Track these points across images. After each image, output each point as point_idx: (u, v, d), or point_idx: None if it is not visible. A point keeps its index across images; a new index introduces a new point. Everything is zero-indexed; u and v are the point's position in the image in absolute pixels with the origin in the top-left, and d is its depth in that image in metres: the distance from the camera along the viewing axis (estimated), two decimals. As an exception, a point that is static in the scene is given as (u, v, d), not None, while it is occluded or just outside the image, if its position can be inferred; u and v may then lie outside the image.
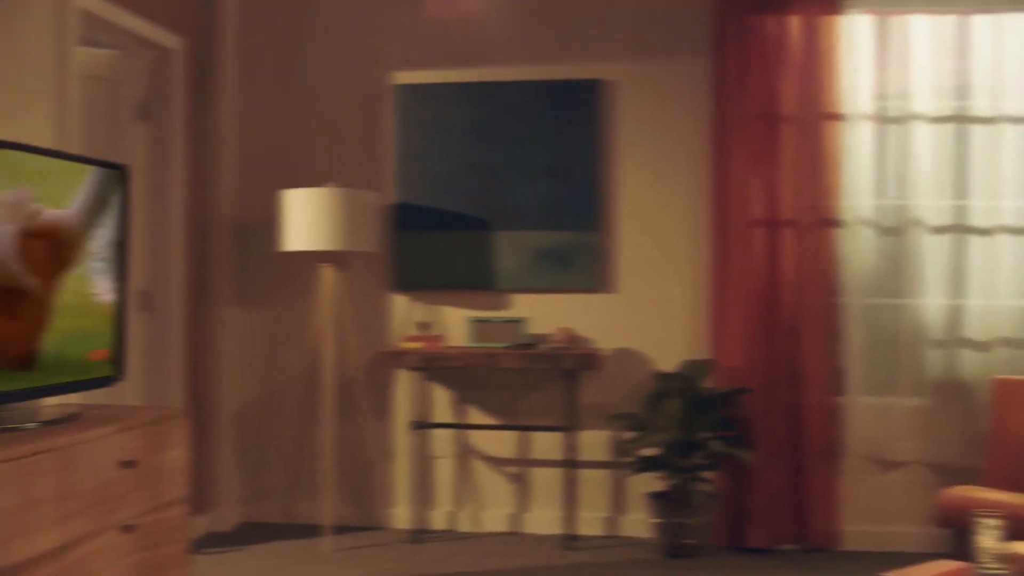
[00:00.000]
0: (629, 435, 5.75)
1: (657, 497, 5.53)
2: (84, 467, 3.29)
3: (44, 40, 4.25)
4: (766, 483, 5.59)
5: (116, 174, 3.96)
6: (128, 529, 3.54)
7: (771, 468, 5.58)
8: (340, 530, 6.00)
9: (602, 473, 5.90)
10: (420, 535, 5.85)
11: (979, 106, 5.51)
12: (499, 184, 5.91)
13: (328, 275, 5.70)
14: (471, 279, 5.94)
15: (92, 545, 3.34)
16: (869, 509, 5.65)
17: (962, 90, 5.54)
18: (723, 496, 5.63)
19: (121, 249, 4.00)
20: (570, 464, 5.69)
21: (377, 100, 6.05)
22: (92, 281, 3.82)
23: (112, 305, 3.96)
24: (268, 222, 6.11)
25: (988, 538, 3.47)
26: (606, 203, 5.87)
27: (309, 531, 5.98)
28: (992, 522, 3.47)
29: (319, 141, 6.10)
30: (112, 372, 3.99)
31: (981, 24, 5.48)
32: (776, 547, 5.62)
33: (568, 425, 5.68)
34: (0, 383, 3.37)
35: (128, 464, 3.54)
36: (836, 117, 5.54)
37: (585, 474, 5.89)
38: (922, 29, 5.51)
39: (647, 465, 5.53)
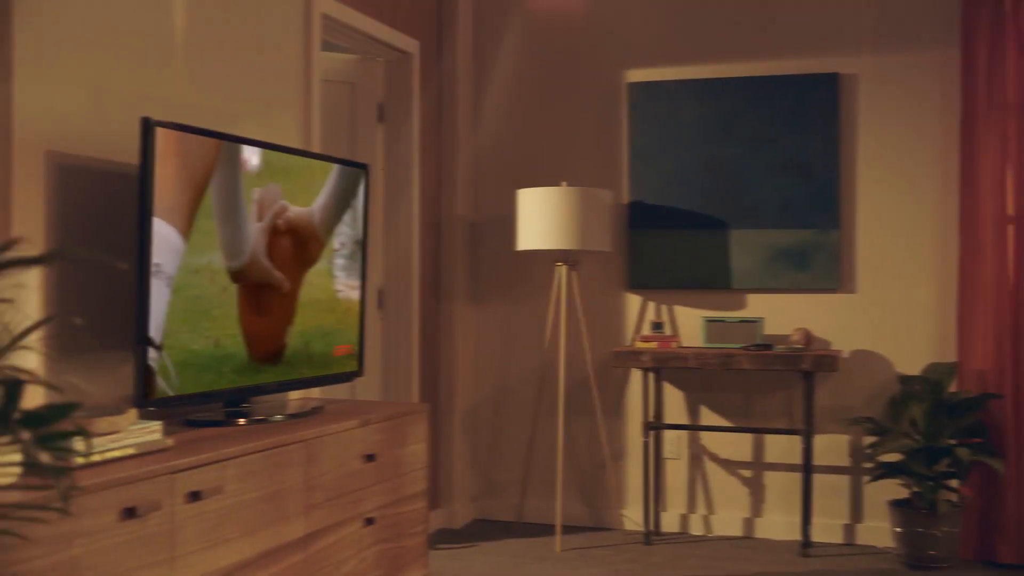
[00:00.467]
0: (869, 440, 5.55)
1: (899, 505, 5.32)
2: (328, 459, 3.37)
3: (291, 45, 4.39)
4: (1019, 494, 5.30)
5: (359, 173, 4.05)
6: (369, 521, 3.61)
7: (1022, 478, 5.29)
8: (570, 530, 6.01)
9: (839, 478, 5.71)
10: (651, 537, 5.79)
11: None
12: (734, 182, 5.80)
13: (562, 274, 5.71)
14: (705, 278, 5.85)
15: (335, 536, 3.42)
16: None
17: None
18: (971, 507, 5.37)
19: (363, 246, 4.10)
20: (806, 468, 5.52)
21: (610, 99, 6.03)
22: (335, 277, 3.92)
23: (355, 301, 4.06)
24: (503, 221, 6.16)
25: None
26: (845, 200, 5.68)
27: (540, 530, 6.01)
28: None
29: (553, 140, 6.12)
30: (356, 368, 4.08)
31: None
32: (1028, 562, 5.33)
33: (805, 428, 5.52)
34: (251, 376, 3.50)
35: (370, 457, 3.61)
36: (1097, 107, 5.22)
37: (821, 479, 5.72)
38: None
39: (888, 471, 5.33)
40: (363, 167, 4.08)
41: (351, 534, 3.51)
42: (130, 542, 2.53)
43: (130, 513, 2.52)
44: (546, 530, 6.00)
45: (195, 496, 2.74)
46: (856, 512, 5.70)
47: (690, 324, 5.89)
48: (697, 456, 5.93)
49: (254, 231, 3.46)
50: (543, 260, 6.13)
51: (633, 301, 6.00)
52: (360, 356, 4.11)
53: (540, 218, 5.55)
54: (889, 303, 5.64)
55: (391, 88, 5.69)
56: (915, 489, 5.30)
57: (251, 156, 3.43)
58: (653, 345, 5.70)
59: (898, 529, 5.31)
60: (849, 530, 5.70)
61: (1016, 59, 5.29)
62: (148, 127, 3.00)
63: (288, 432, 3.20)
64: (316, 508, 3.30)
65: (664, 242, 5.90)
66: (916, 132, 5.58)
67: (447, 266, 6.03)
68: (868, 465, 5.63)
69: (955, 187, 5.52)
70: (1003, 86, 5.30)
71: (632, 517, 6.01)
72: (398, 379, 5.68)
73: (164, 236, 3.06)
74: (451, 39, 6.04)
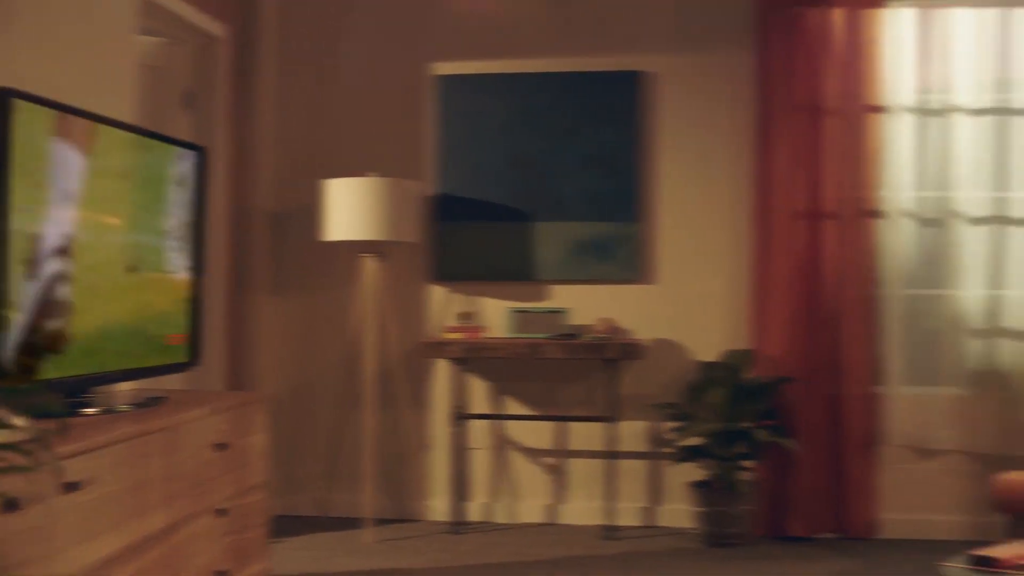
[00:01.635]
0: (671, 425, 5.75)
1: (699, 486, 5.55)
2: (186, 448, 3.27)
3: (114, 24, 4.21)
4: (807, 472, 5.61)
5: (192, 154, 3.94)
6: (221, 512, 3.51)
7: (812, 457, 5.61)
8: (375, 522, 5.97)
9: (641, 463, 5.91)
10: (457, 527, 5.83)
11: (1020, 99, 5.56)
12: (540, 175, 5.91)
13: (369, 265, 5.68)
14: (511, 270, 5.93)
15: (193, 527, 3.31)
16: (907, 497, 5.69)
17: (1003, 83, 5.58)
18: (765, 485, 5.65)
19: (196, 229, 3.97)
20: (610, 455, 5.68)
21: (418, 90, 6.03)
22: (167, 258, 3.79)
23: (184, 284, 3.93)
24: (309, 211, 6.06)
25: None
26: (647, 194, 5.88)
27: (344, 524, 5.94)
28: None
29: (360, 131, 6.07)
30: (189, 357, 3.95)
31: (1022, 17, 5.54)
32: (816, 536, 5.64)
33: (608, 415, 5.68)
34: (93, 356, 3.34)
35: (220, 447, 3.51)
36: (878, 110, 5.58)
37: (624, 464, 5.89)
38: (963, 22, 5.56)
39: (689, 455, 5.55)
40: (201, 149, 3.96)
41: (205, 525, 3.40)
42: (11, 536, 2.38)
43: (11, 505, 2.38)
44: (350, 523, 5.93)
45: (73, 487, 2.60)
46: (657, 495, 5.91)
47: (496, 315, 5.96)
48: (501, 445, 6.01)
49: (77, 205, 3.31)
50: (350, 251, 6.07)
51: (439, 292, 6.02)
52: (193, 344, 3.98)
53: (347, 208, 5.51)
54: (688, 293, 5.87)
55: (198, 73, 5.53)
56: (714, 471, 5.53)
57: (90, 130, 3.28)
58: (460, 336, 5.74)
59: (698, 509, 5.53)
60: (651, 513, 5.90)
61: (804, 64, 5.60)
62: (5, 97, 2.85)
63: (146, 421, 3.07)
64: (176, 499, 3.19)
65: (470, 234, 5.95)
66: (713, 130, 5.83)
67: (251, 256, 5.89)
68: (668, 449, 5.83)
69: (749, 183, 5.78)
70: (795, 88, 5.60)
71: (437, 507, 6.03)
72: (202, 371, 5.51)
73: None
74: (259, 25, 5.91)
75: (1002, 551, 3.45)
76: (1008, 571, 3.30)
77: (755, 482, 5.61)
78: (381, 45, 6.06)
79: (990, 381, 5.60)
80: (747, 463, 5.59)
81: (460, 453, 5.95)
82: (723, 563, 5.19)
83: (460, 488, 5.94)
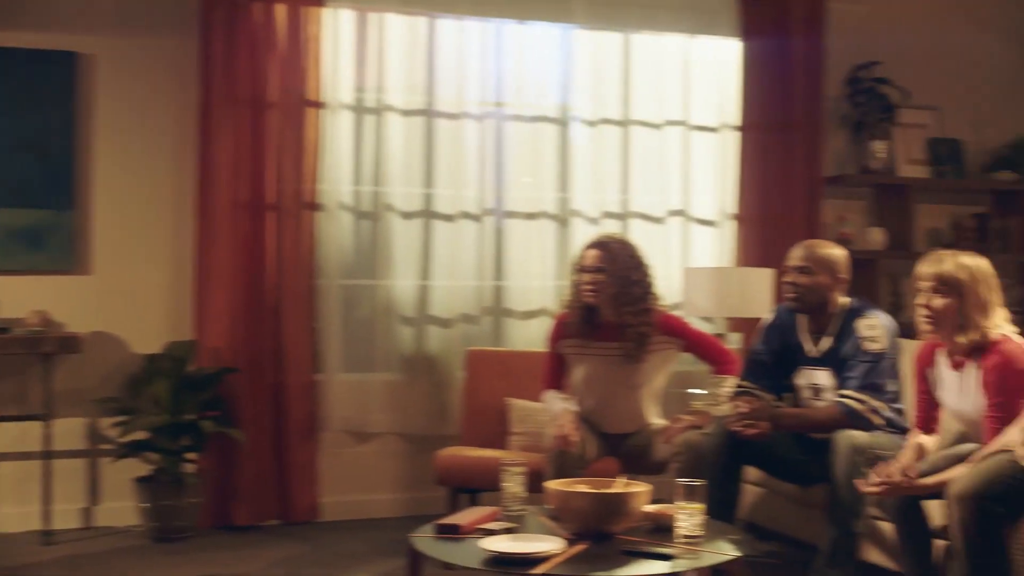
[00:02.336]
0: (114, 420, 5.54)
1: (143, 481, 5.44)
2: None
3: None
4: (251, 461, 5.67)
5: None
6: None
7: (256, 446, 5.67)
8: None
9: (80, 462, 5.65)
10: None
11: (444, 102, 5.99)
12: (-36, 157, 5.48)
13: None
14: (-71, 260, 5.46)
15: None
16: (347, 480, 5.93)
17: (429, 87, 5.97)
18: (211, 476, 5.63)
19: None
20: (45, 455, 5.37)
21: None
22: None
23: None
24: None
25: (514, 484, 3.91)
26: (82, 181, 5.63)
27: None
28: (517, 470, 3.91)
29: None
30: None
31: (446, 27, 5.98)
32: (261, 524, 5.71)
33: (43, 413, 5.37)
34: None
35: None
36: (318, 105, 5.75)
37: (60, 464, 5.55)
38: (397, 27, 5.89)
39: (132, 450, 5.42)
40: None
41: None
42: None
43: None
44: None
45: None
46: (97, 494, 5.69)
47: (-89, 310, 5.42)
48: (-83, 453, 5.50)
49: None
50: None
51: None
52: None
53: None
54: (126, 284, 5.71)
55: None
56: (160, 465, 5.43)
57: None
58: None
59: (143, 505, 5.43)
60: (90, 513, 5.67)
61: (247, 57, 5.64)
62: None
63: None
64: None
65: None
66: (156, 118, 5.72)
67: None
68: (109, 446, 5.62)
69: (192, 174, 5.70)
70: (238, 80, 5.63)
71: None
72: None
73: None
74: None
75: (462, 518, 3.75)
76: (470, 535, 3.60)
77: (201, 473, 5.58)
78: None
79: (420, 366, 5.99)
80: (193, 455, 5.55)
81: None
82: (170, 557, 5.13)
83: None
